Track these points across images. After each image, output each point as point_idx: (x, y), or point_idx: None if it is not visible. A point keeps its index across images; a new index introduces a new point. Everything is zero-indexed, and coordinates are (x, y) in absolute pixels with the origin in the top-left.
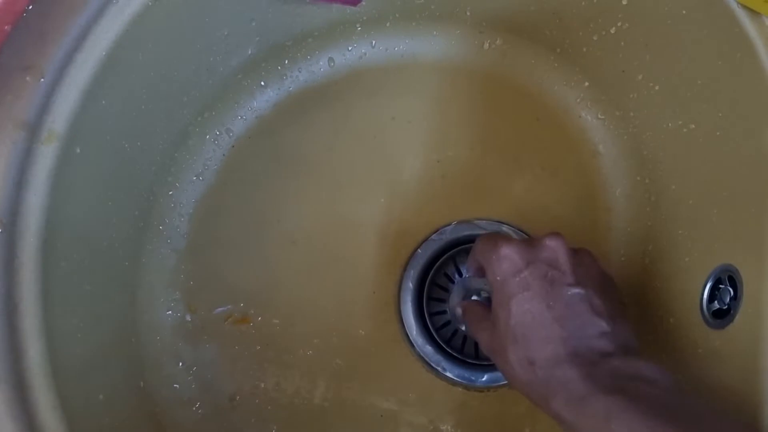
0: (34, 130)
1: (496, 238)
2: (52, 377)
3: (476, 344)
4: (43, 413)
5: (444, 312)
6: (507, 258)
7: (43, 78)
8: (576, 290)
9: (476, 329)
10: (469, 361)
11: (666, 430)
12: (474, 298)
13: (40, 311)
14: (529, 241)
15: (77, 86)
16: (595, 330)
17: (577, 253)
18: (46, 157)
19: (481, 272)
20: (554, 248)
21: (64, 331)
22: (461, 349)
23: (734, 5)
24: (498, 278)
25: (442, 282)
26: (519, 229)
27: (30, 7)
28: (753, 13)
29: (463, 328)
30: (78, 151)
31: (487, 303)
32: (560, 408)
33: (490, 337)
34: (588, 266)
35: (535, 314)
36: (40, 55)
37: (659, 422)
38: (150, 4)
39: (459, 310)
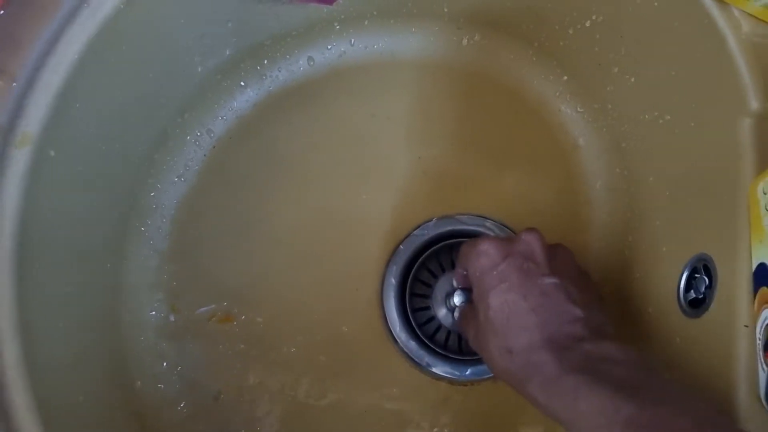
0: (6, 134)
1: (476, 238)
2: (28, 378)
3: (460, 339)
4: (19, 414)
5: (427, 308)
6: (484, 253)
7: (15, 82)
8: (551, 280)
9: (465, 328)
10: (452, 356)
11: (629, 404)
12: (457, 294)
13: (15, 312)
14: (507, 237)
15: (50, 89)
16: (569, 316)
17: (552, 247)
18: (19, 161)
19: (468, 280)
20: (530, 242)
21: (42, 332)
22: (444, 344)
23: None
24: (477, 274)
25: (425, 278)
26: (501, 224)
27: (1, 12)
28: (722, 3)
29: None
30: (52, 154)
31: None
32: (535, 391)
33: (475, 333)
34: (563, 259)
35: (512, 305)
36: (12, 59)
37: (623, 397)
38: (122, 6)
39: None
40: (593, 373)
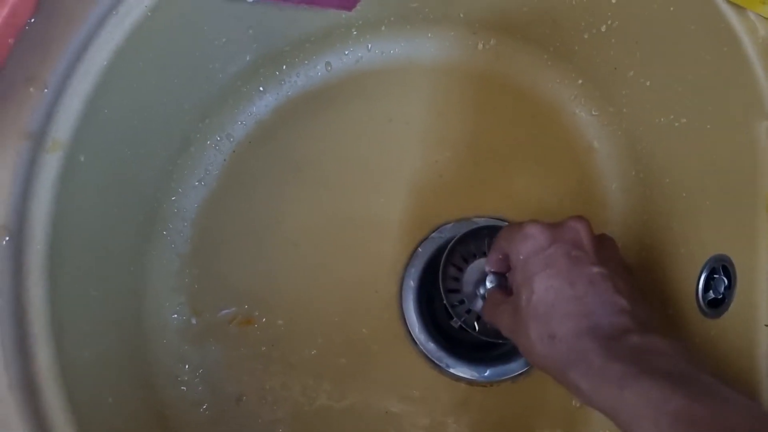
0: (38, 140)
1: (521, 222)
2: (61, 380)
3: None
4: (53, 416)
5: (457, 290)
6: (531, 236)
7: (46, 89)
8: (598, 269)
9: (495, 313)
10: (473, 355)
11: (678, 396)
12: (489, 279)
13: (48, 316)
14: (553, 223)
15: (80, 96)
16: (615, 307)
17: (599, 237)
18: (50, 166)
19: (503, 264)
20: (578, 229)
21: (72, 336)
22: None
23: (720, 1)
24: (521, 257)
25: (459, 262)
26: None
27: (32, 20)
28: (738, 8)
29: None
30: (82, 159)
31: (502, 289)
32: (578, 378)
33: (511, 318)
34: (610, 249)
35: (558, 291)
36: (42, 66)
37: (672, 389)
38: (149, 14)
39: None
40: (640, 363)
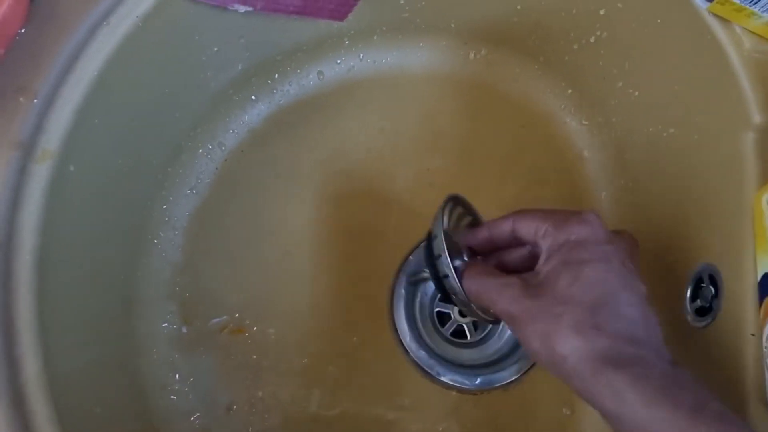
0: (28, 150)
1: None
2: (49, 391)
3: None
4: (40, 427)
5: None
6: (592, 223)
7: (36, 99)
8: (645, 289)
9: (492, 285)
10: (464, 363)
11: None
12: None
13: (36, 327)
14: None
15: (70, 106)
16: (658, 331)
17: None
18: (40, 176)
19: (485, 245)
20: (632, 244)
21: (60, 346)
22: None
23: (706, 14)
24: (572, 238)
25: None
26: None
27: (23, 30)
28: (724, 21)
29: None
30: (72, 168)
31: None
32: (627, 382)
33: (524, 294)
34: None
35: (612, 288)
36: (33, 76)
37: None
38: (140, 24)
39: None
40: (705, 401)
